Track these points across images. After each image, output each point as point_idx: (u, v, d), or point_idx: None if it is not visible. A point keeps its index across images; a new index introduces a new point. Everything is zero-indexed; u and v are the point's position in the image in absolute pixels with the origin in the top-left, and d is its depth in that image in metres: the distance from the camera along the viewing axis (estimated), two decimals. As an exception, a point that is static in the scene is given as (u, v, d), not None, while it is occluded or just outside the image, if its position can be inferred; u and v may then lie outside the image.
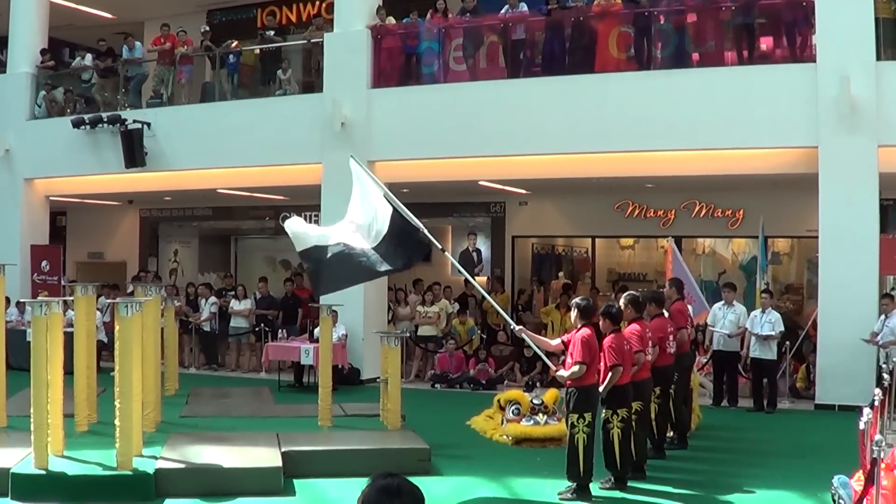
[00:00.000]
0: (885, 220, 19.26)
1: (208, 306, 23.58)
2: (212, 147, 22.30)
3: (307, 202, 25.24)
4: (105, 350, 20.11)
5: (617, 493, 11.53)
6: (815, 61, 17.76)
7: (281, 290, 24.75)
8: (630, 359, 11.88)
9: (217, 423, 15.18)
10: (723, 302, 18.37)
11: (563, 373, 11.30)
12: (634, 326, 12.46)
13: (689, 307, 16.42)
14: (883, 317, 16.83)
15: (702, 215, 23.40)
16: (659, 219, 23.85)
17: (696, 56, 19.31)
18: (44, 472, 11.28)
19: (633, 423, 11.95)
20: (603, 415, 11.66)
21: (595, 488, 11.44)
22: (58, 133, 23.97)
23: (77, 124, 23.34)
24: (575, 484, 11.28)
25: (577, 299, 12.14)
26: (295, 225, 13.44)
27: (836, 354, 17.27)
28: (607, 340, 11.57)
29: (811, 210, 18.47)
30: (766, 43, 19.26)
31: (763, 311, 17.98)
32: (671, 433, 14.10)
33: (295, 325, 22.69)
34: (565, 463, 11.35)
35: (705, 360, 18.77)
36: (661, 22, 19.35)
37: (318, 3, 27.57)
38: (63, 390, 12.30)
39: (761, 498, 11.51)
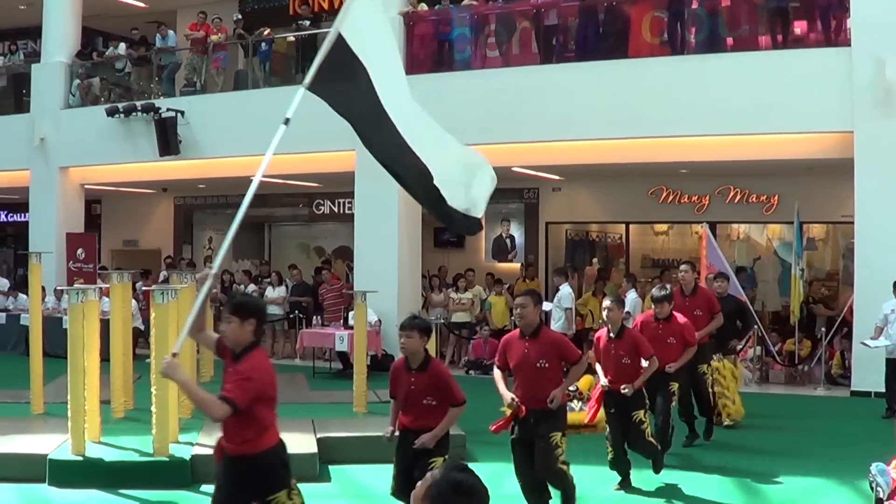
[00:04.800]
0: (922, 205, 19.15)
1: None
2: (245, 135, 22.25)
3: (341, 189, 25.33)
4: (141, 337, 20.22)
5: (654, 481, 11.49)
6: (849, 45, 17.66)
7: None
8: None
9: (252, 409, 15.20)
10: None
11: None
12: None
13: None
14: None
15: (736, 201, 23.31)
16: (693, 204, 23.79)
17: (729, 41, 19.18)
18: (81, 458, 11.38)
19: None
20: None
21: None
22: (92, 122, 24.08)
23: (111, 113, 23.45)
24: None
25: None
26: None
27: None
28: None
29: (846, 195, 18.37)
30: (800, 27, 19.13)
31: None
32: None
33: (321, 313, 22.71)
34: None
35: (741, 347, 18.70)
36: (695, 6, 19.26)
37: (350, -11, 27.53)
38: (99, 377, 12.40)
39: (798, 485, 11.46)
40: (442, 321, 20.96)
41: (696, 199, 23.73)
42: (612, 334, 11.04)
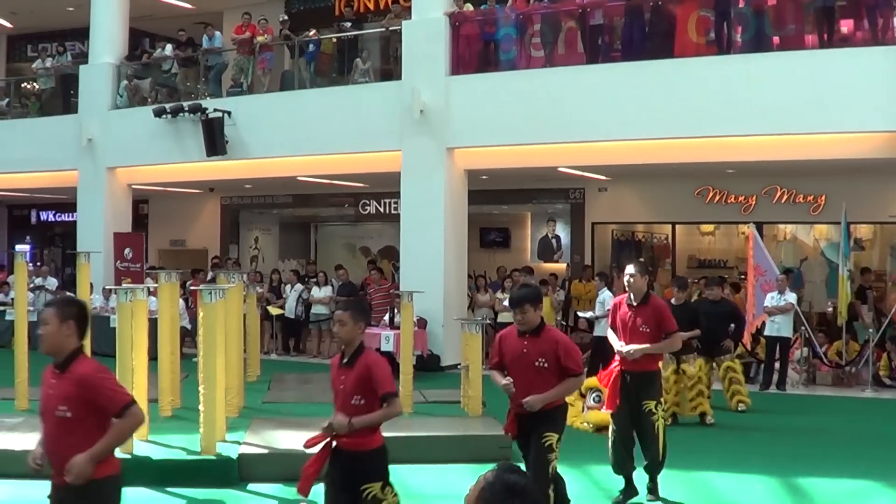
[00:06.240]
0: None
1: (294, 293, 23.75)
2: (291, 135, 22.42)
3: (387, 189, 25.39)
4: (188, 336, 20.34)
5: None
6: (897, 44, 17.53)
7: (360, 276, 24.95)
8: None
9: (299, 408, 15.30)
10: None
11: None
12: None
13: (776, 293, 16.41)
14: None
15: (783, 201, 23.20)
16: (740, 205, 23.70)
17: (776, 40, 19.05)
18: (129, 456, 11.42)
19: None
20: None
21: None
22: (139, 122, 24.22)
23: (158, 113, 23.58)
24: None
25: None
26: None
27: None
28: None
29: (894, 195, 18.25)
30: (847, 26, 18.99)
31: None
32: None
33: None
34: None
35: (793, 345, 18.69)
36: (741, 5, 19.15)
37: (396, -10, 27.65)
38: (147, 376, 12.49)
39: (844, 487, 11.40)
40: (488, 321, 20.95)
41: (743, 199, 23.64)
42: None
